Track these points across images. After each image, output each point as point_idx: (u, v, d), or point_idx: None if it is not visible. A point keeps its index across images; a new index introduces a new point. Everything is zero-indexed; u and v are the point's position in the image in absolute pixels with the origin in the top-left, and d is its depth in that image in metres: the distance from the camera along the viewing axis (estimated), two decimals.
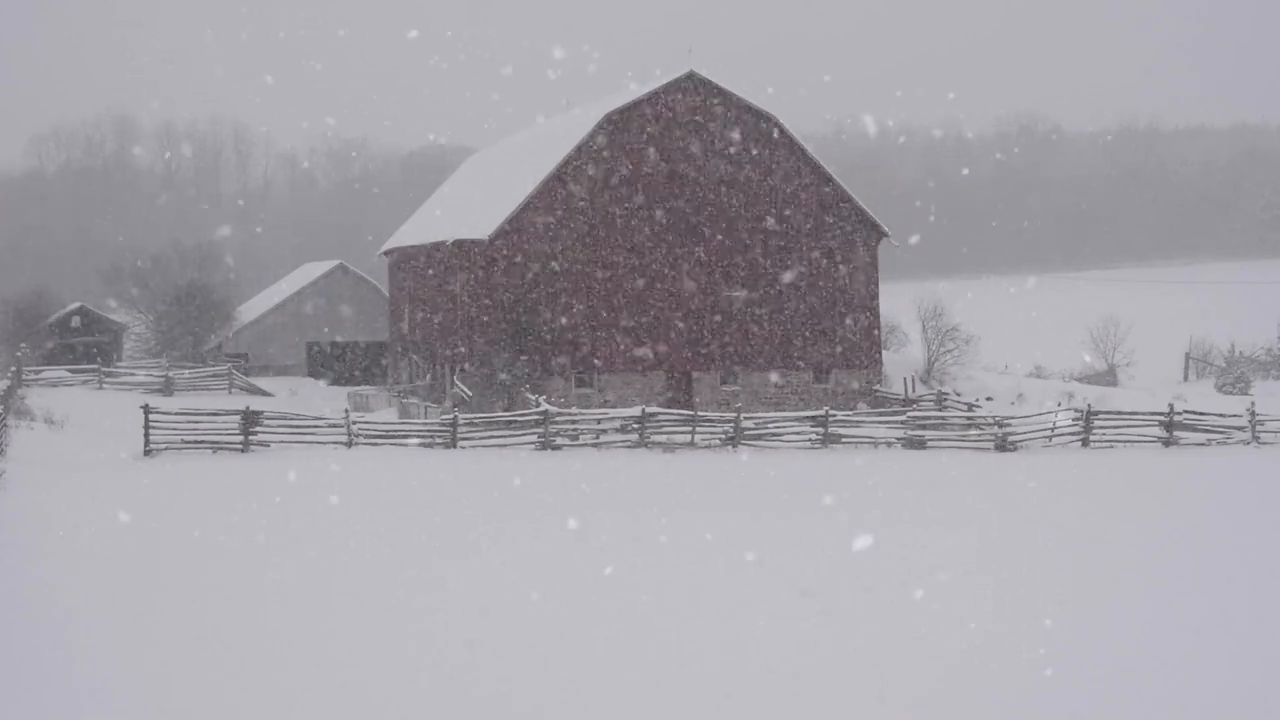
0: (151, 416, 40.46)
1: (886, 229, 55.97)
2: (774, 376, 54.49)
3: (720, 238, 53.90)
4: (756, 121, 54.24)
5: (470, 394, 51.23)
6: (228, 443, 40.68)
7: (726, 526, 30.21)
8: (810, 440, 44.79)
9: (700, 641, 20.38)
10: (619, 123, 53.21)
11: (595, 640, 20.43)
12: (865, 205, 55.98)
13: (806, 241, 54.92)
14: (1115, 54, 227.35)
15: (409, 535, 28.50)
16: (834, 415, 45.45)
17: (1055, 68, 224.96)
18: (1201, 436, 47.00)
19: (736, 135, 53.97)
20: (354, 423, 42.35)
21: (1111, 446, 46.15)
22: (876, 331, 56.33)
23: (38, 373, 59.68)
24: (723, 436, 44.31)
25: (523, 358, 51.45)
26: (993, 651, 20.08)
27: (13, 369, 57.03)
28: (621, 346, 52.95)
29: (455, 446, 42.25)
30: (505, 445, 42.85)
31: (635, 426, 43.82)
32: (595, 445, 43.61)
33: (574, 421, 44.31)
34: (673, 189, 53.48)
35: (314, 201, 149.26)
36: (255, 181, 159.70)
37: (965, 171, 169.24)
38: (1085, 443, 45.98)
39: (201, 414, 41.89)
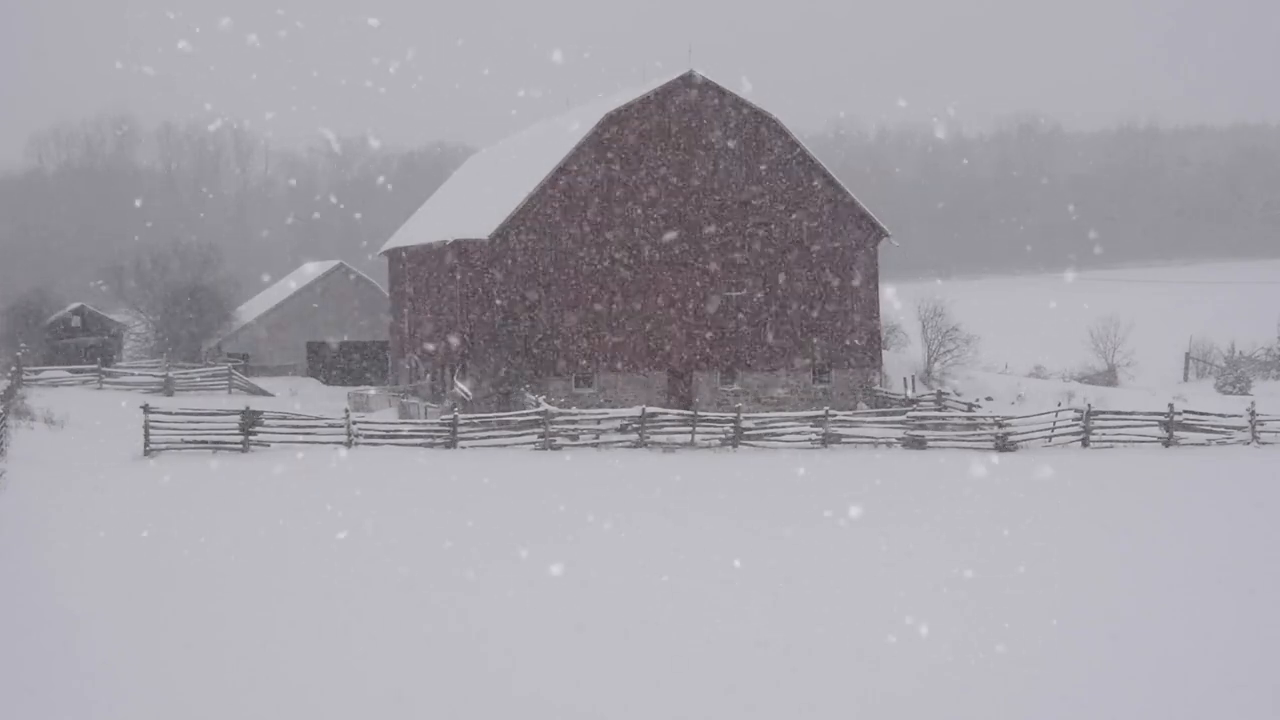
0: (151, 416, 40.43)
1: (887, 229, 55.96)
2: (774, 376, 54.47)
3: (720, 237, 53.88)
4: (756, 121, 54.22)
5: (470, 394, 51.24)
6: (228, 443, 40.66)
7: (727, 527, 30.22)
8: (810, 440, 44.78)
9: (701, 640, 20.40)
10: (619, 122, 53.19)
11: (597, 637, 20.46)
12: (865, 205, 55.96)
13: (806, 241, 54.89)
14: (1115, 54, 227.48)
15: (409, 534, 28.52)
16: (834, 415, 45.44)
17: (1055, 68, 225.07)
18: (1201, 436, 46.98)
19: (736, 135, 53.94)
20: (354, 423, 42.35)
21: (1111, 446, 46.15)
22: (877, 331, 56.30)
23: (38, 373, 59.63)
24: (723, 436, 44.29)
25: (522, 357, 51.43)
26: (992, 650, 20.09)
27: (13, 369, 56.98)
28: (621, 346, 52.94)
29: (455, 446, 42.25)
30: (505, 445, 42.85)
31: (635, 426, 43.82)
32: (595, 445, 43.60)
33: (574, 421, 44.30)
34: (672, 189, 53.46)
35: (314, 201, 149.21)
36: (255, 181, 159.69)
37: (965, 172, 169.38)
38: (1085, 443, 45.98)
39: (201, 414, 41.88)
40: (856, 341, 55.42)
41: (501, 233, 51.95)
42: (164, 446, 40.26)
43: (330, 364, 73.66)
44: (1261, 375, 76.54)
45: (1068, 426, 46.34)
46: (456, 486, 35.31)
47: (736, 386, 54.00)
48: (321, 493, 33.72)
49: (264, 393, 60.38)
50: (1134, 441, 46.50)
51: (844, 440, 44.99)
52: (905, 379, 57.60)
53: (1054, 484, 37.72)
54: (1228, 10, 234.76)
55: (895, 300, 64.05)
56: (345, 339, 74.52)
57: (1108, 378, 75.08)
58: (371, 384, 69.29)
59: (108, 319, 72.79)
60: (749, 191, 54.16)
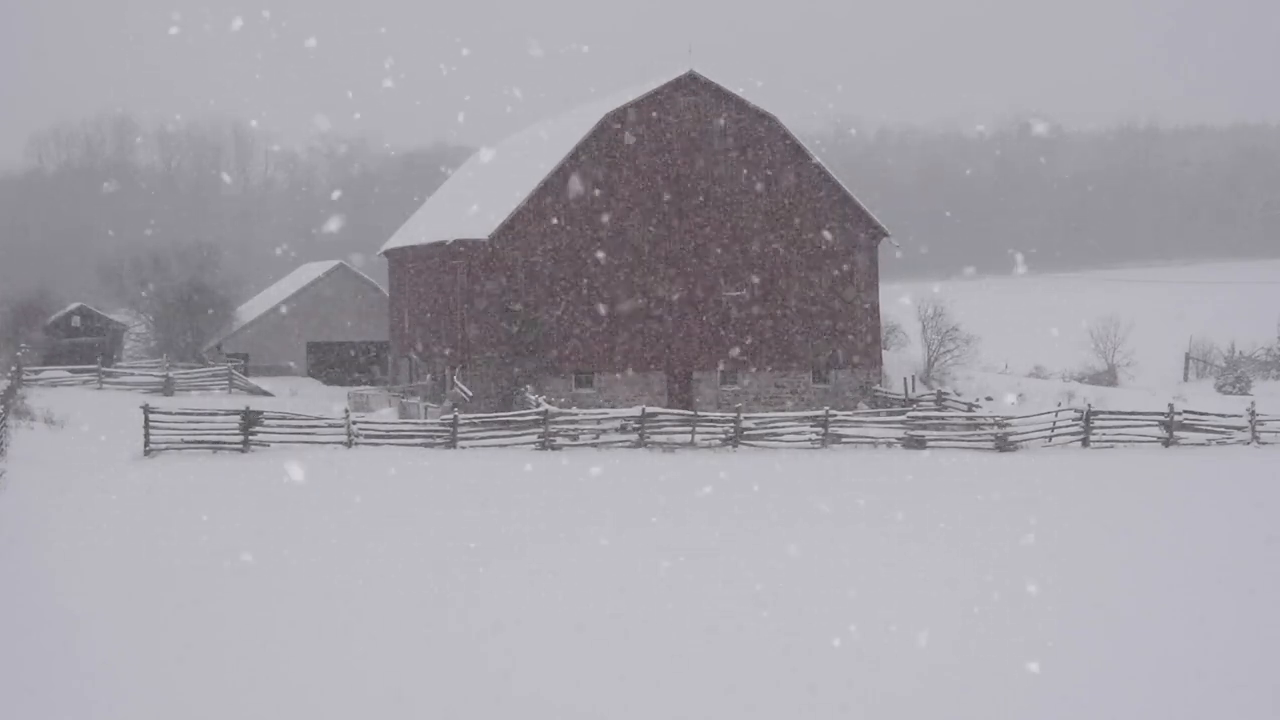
0: (151, 416, 40.45)
1: (887, 229, 55.94)
2: (774, 376, 54.46)
3: (720, 237, 53.87)
4: (756, 121, 54.21)
5: (470, 394, 51.24)
6: (228, 443, 40.67)
7: (726, 527, 30.21)
8: (810, 440, 44.77)
9: (701, 640, 20.41)
10: (619, 122, 53.19)
11: (597, 637, 20.46)
12: (865, 205, 55.95)
13: (806, 241, 54.86)
14: (1115, 54, 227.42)
15: (409, 534, 28.52)
16: (834, 415, 45.43)
17: (1055, 68, 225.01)
18: (1202, 436, 46.97)
19: (736, 135, 53.92)
20: (354, 423, 42.35)
21: (1112, 446, 46.14)
22: (876, 331, 56.27)
23: (38, 373, 59.65)
24: (723, 436, 44.29)
25: (522, 357, 51.43)
26: (992, 650, 20.10)
27: (13, 369, 56.99)
28: (621, 346, 52.93)
29: (455, 446, 42.25)
30: (505, 445, 42.85)
31: (635, 426, 43.82)
32: (595, 445, 43.60)
33: (574, 421, 44.30)
34: (672, 189, 53.46)
35: (314, 201, 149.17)
36: (255, 181, 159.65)
37: (965, 171, 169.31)
38: (1085, 443, 45.97)
39: (201, 414, 41.90)
40: (856, 342, 55.38)
41: (501, 233, 51.94)
42: (164, 446, 40.27)
43: (330, 364, 73.63)
44: (1261, 375, 76.48)
45: (1068, 426, 46.33)
46: (456, 487, 35.31)
47: (736, 386, 53.98)
48: (321, 493, 33.73)
49: (264, 393, 60.37)
50: (1134, 441, 46.49)
51: (844, 440, 44.98)
52: (905, 379, 57.58)
53: (1054, 484, 37.73)
54: (1228, 10, 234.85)
55: (895, 300, 64.04)
56: (345, 339, 74.49)
57: (1108, 378, 75.03)
58: (371, 384, 69.27)
59: (108, 319, 72.79)
60: (749, 191, 54.12)
